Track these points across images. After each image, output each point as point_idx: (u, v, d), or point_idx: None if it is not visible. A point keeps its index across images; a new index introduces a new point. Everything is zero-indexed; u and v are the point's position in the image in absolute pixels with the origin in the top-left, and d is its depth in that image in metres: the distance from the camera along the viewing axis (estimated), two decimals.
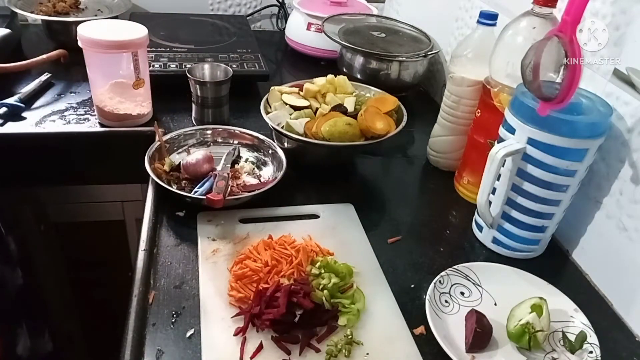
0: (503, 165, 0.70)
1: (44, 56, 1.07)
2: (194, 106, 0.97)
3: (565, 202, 0.71)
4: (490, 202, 0.75)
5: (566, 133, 0.64)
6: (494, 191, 0.74)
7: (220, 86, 0.94)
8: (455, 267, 0.70)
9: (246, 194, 0.78)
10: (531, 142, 0.67)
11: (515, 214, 0.73)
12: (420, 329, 0.62)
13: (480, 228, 0.79)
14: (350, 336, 0.59)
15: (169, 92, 1.00)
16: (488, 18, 0.81)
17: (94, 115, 0.96)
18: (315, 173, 0.89)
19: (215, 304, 0.62)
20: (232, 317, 0.61)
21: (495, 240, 0.77)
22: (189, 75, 0.93)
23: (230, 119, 1.00)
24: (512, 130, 0.69)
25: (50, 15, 1.20)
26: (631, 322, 0.68)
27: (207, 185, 0.78)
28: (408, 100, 1.02)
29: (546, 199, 0.70)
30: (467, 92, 0.86)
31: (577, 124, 0.65)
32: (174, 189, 0.77)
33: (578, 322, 0.64)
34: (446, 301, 0.66)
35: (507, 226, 0.74)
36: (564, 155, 0.66)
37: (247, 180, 0.84)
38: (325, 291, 0.62)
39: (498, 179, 0.72)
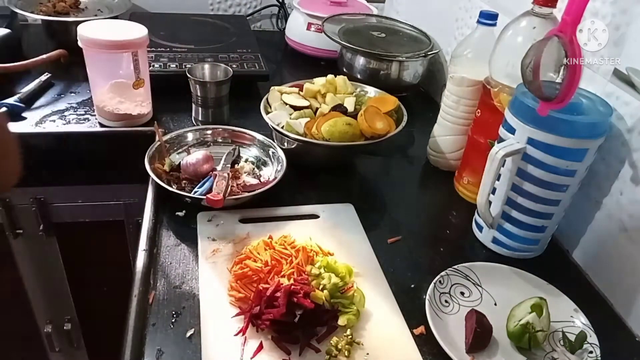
0: (503, 166, 0.70)
1: (44, 56, 1.07)
2: (193, 106, 0.97)
3: (565, 202, 0.71)
4: (490, 202, 0.75)
5: (566, 133, 0.64)
6: (494, 191, 0.74)
7: (221, 86, 0.94)
8: (455, 267, 0.70)
9: (246, 194, 0.78)
10: (531, 142, 0.67)
11: (515, 214, 0.73)
12: (420, 329, 0.62)
13: (480, 228, 0.79)
14: (350, 336, 0.59)
15: (169, 92, 1.00)
16: (488, 18, 0.81)
17: (94, 115, 0.96)
18: (315, 173, 0.89)
19: (215, 304, 0.62)
20: (232, 317, 0.61)
21: (495, 240, 0.77)
22: (189, 75, 0.93)
23: (231, 119, 1.00)
24: (512, 130, 0.69)
25: (50, 15, 1.20)
26: (631, 322, 0.68)
27: (207, 185, 0.78)
28: (408, 100, 1.02)
29: (546, 199, 0.70)
30: (467, 92, 0.86)
31: (577, 124, 0.65)
32: (174, 189, 0.77)
33: (578, 322, 0.64)
34: (446, 301, 0.66)
35: (507, 226, 0.74)
36: (564, 155, 0.66)
37: (247, 180, 0.84)
38: (325, 291, 0.62)
39: (498, 179, 0.72)
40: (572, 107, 0.65)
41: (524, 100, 0.67)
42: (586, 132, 0.65)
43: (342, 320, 0.61)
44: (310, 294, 0.61)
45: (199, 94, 0.94)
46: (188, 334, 0.59)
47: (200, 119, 0.97)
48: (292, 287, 0.61)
